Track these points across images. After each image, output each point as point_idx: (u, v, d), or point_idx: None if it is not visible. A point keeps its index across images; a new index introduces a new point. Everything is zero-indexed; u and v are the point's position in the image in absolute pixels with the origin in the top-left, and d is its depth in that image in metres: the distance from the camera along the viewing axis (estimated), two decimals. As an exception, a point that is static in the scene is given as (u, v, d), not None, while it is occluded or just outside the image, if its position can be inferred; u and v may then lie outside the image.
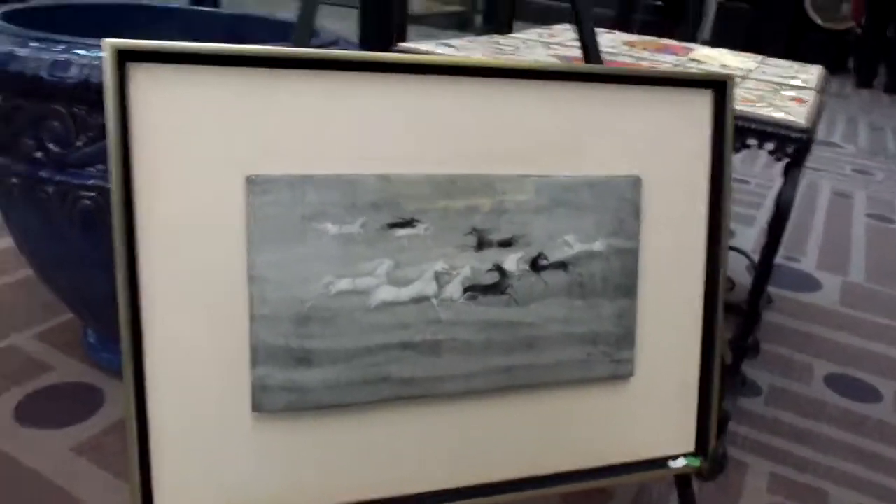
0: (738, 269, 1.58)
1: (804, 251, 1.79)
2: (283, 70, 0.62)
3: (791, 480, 0.98)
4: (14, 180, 0.86)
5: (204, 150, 0.61)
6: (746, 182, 2.29)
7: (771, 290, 1.52)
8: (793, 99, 1.02)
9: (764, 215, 2.01)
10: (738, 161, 2.52)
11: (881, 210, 2.15)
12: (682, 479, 0.84)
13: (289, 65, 0.63)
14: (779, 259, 1.71)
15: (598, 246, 0.72)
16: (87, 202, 0.84)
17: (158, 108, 0.60)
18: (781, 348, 1.32)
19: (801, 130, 0.86)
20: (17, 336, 1.12)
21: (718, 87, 0.75)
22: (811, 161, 2.56)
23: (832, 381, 1.23)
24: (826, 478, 0.99)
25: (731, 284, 1.31)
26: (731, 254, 1.64)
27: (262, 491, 0.66)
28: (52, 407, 0.97)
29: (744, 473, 0.98)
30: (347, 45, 1.01)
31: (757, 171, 2.43)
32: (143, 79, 0.59)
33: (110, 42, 0.57)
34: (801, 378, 1.23)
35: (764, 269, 0.99)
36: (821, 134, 3.06)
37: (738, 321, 1.11)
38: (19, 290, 1.24)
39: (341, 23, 2.33)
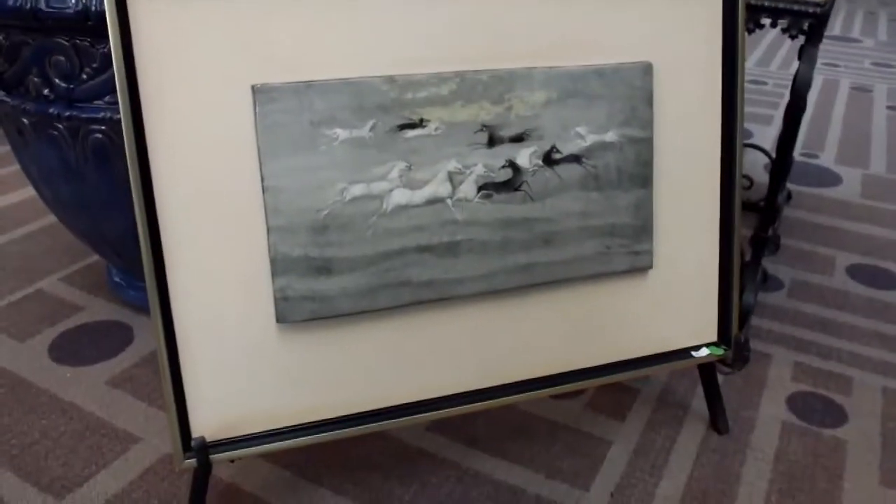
0: (757, 168, 1.56)
1: (823, 146, 1.76)
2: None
3: (815, 368, 0.98)
4: (25, 121, 0.86)
5: (208, 65, 0.61)
6: (764, 83, 2.24)
7: (791, 186, 1.50)
8: None
9: (782, 115, 1.97)
10: (753, 62, 2.46)
11: (901, 102, 2.10)
12: (706, 370, 0.85)
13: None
14: (798, 155, 1.68)
15: (610, 136, 0.71)
16: (99, 136, 0.84)
17: (159, 29, 0.59)
18: (802, 243, 1.31)
19: (816, 4, 0.83)
20: (43, 281, 1.13)
21: (728, -35, 0.73)
22: (829, 58, 2.50)
23: (854, 271, 1.22)
24: (851, 364, 0.99)
25: (750, 182, 1.30)
26: (749, 152, 1.61)
27: (291, 399, 0.68)
28: (85, 344, 1.00)
29: (768, 364, 0.99)
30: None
31: (773, 71, 2.37)
32: (142, 2, 0.58)
33: (103, -39, 0.56)
34: (824, 270, 1.22)
35: (781, 159, 0.97)
36: (839, 30, 2.98)
37: (757, 218, 1.10)
38: (42, 237, 1.26)
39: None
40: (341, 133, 0.63)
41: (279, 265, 0.64)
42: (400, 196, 0.66)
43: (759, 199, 1.17)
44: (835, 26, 3.04)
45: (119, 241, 0.98)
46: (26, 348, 0.99)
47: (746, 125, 1.86)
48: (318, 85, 0.62)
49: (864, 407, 0.92)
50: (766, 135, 1.81)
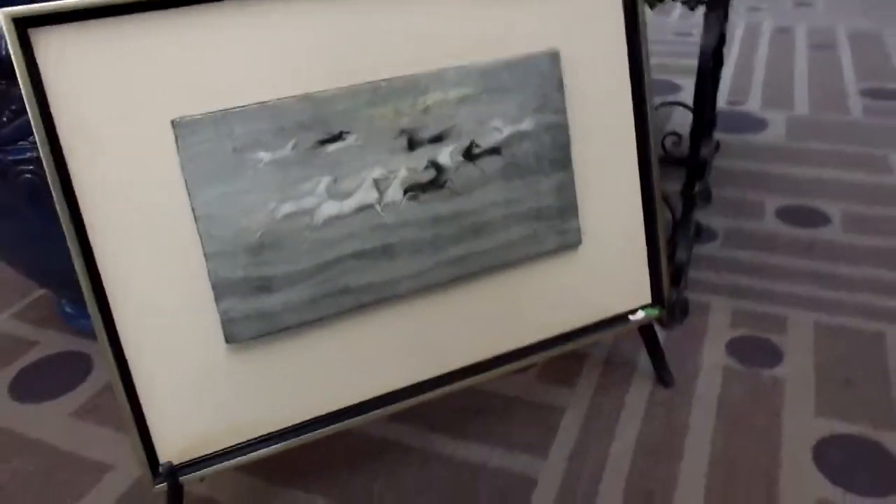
0: (686, 123, 1.60)
1: (748, 92, 1.81)
2: (183, 9, 0.62)
3: (752, 312, 1.04)
4: (-48, 167, 0.86)
5: (126, 102, 0.62)
6: (689, 34, 2.29)
7: (719, 135, 1.55)
8: None
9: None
10: (677, 15, 2.51)
11: (822, 39, 2.16)
12: (646, 331, 0.90)
13: (190, 2, 0.62)
14: (724, 104, 1.74)
15: (526, 125, 0.74)
16: (29, 176, 0.85)
17: (69, 68, 0.60)
18: (733, 191, 1.36)
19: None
20: (-5, 319, 1.14)
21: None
22: (751, 1, 2.56)
23: (783, 213, 1.28)
24: (784, 304, 1.05)
25: (678, 138, 1.34)
26: (677, 109, 1.66)
27: (251, 413, 0.71)
28: (45, 379, 1.01)
29: (707, 314, 1.04)
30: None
31: (698, 21, 2.42)
32: (48, 43, 0.59)
33: (4, 11, 0.57)
34: (754, 215, 1.28)
35: (697, 119, 1.01)
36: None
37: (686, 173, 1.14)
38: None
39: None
40: (265, 155, 0.65)
41: (221, 289, 0.66)
42: (329, 208, 0.68)
43: (687, 154, 1.21)
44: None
45: (65, 274, 0.98)
46: (-14, 391, 1.00)
47: (674, 79, 1.91)
48: (235, 112, 0.64)
49: (798, 344, 0.97)
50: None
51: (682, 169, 1.23)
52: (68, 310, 1.10)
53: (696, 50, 2.09)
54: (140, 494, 0.82)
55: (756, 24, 2.34)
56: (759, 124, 1.64)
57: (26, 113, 0.82)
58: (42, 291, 1.18)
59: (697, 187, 1.11)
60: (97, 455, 0.88)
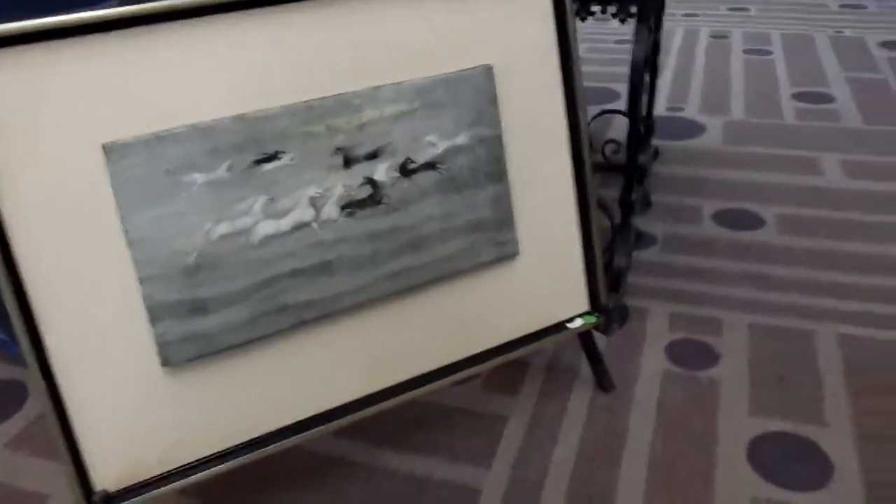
0: (624, 130, 1.64)
1: (687, 98, 1.86)
2: (114, 32, 0.62)
3: (689, 315, 1.07)
4: None
5: (56, 126, 0.61)
6: (627, 41, 2.33)
7: (658, 142, 1.59)
8: None
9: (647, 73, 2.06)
10: (616, 23, 2.55)
11: (757, 44, 2.23)
12: (585, 338, 0.92)
13: (118, 26, 0.62)
14: (663, 111, 1.78)
15: (461, 139, 0.75)
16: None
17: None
18: (671, 196, 1.39)
19: (637, -10, 0.89)
20: (-73, 345, 1.10)
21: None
22: (688, 7, 2.62)
23: (719, 216, 1.32)
24: (721, 306, 1.08)
25: (617, 146, 1.37)
26: (616, 116, 1.69)
27: (189, 436, 0.70)
28: (-20, 407, 0.98)
29: (645, 319, 1.06)
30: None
31: (637, 29, 2.47)
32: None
33: (-78, 37, 0.56)
34: (692, 220, 1.31)
35: (633, 127, 1.04)
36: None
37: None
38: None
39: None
40: (199, 177, 0.65)
41: (156, 312, 0.66)
42: (266, 227, 0.68)
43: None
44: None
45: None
46: (-82, 423, 0.97)
47: (613, 87, 1.95)
48: (168, 135, 0.64)
49: (733, 345, 1.00)
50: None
51: (622, 176, 1.25)
52: (2, 337, 1.08)
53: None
54: (80, 521, 0.80)
55: (693, 30, 2.40)
56: (697, 129, 1.68)
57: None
58: (-23, 315, 1.15)
59: (636, 194, 1.14)
60: (33, 486, 0.86)
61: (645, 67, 1.02)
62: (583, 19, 0.89)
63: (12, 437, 0.94)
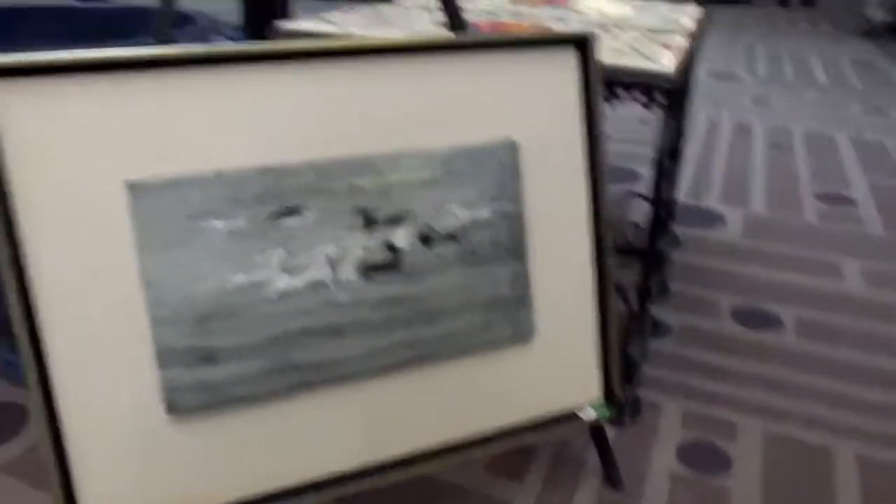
0: (643, 212, 1.62)
1: (709, 187, 1.85)
2: (150, 71, 0.61)
3: (702, 415, 1.03)
4: None
5: (81, 160, 0.61)
6: (650, 121, 2.34)
7: (678, 229, 1.57)
8: (661, 45, 1.04)
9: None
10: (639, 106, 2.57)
11: (780, 138, 2.23)
12: (596, 431, 0.87)
13: (153, 66, 0.61)
14: (685, 198, 1.76)
15: (484, 213, 0.73)
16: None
17: (27, 122, 0.59)
18: (690, 287, 1.36)
19: (668, 79, 0.88)
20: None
21: (581, 43, 0.76)
22: (712, 96, 2.64)
23: (738, 314, 1.29)
24: (735, 409, 1.04)
25: (634, 229, 1.35)
26: (635, 197, 1.68)
27: (185, 487, 0.67)
28: (-25, 431, 0.95)
29: (658, 414, 1.02)
30: (223, 30, 0.98)
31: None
32: (7, 95, 0.57)
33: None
34: (709, 314, 1.28)
35: (656, 213, 1.02)
36: (720, 66, 3.15)
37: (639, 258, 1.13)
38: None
39: (222, 3, 2.26)
40: (218, 224, 0.63)
41: (165, 357, 0.63)
42: (281, 282, 0.66)
43: (646, 246, 1.21)
44: (718, 61, 3.22)
45: (6, 323, 0.94)
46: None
47: (634, 168, 1.94)
48: (192, 179, 0.62)
49: (746, 452, 0.96)
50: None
51: (639, 260, 1.22)
52: (8, 358, 1.05)
53: (656, 139, 2.14)
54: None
55: (717, 120, 2.40)
56: (717, 220, 1.66)
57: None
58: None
59: (654, 281, 1.11)
60: (19, 519, 0.81)
61: (670, 154, 1.00)
62: (608, 101, 0.87)
63: (7, 462, 0.91)
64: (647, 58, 0.92)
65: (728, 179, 1.90)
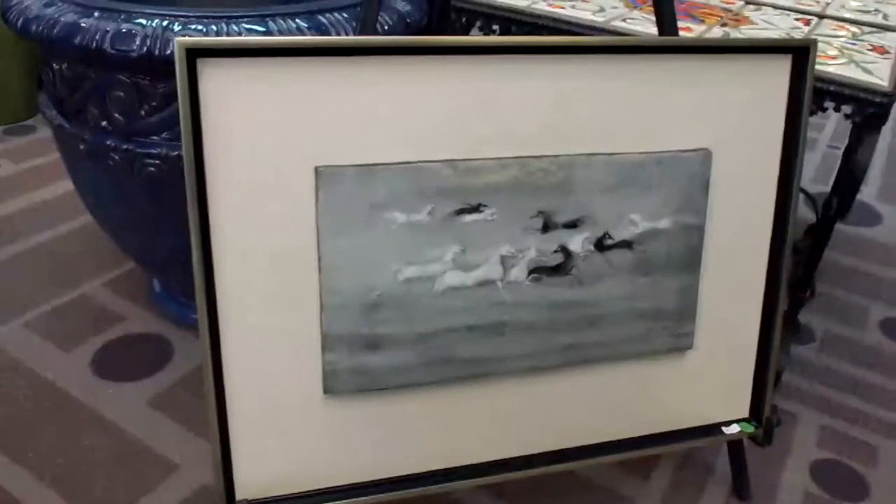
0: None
1: (866, 179, 1.73)
2: (349, 58, 0.61)
3: (841, 434, 0.99)
4: (82, 146, 0.88)
5: (273, 141, 0.62)
6: (839, 147, 2.19)
7: (828, 225, 1.49)
8: (874, 48, 0.96)
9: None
10: (832, 125, 2.40)
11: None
12: (735, 443, 0.86)
13: (354, 53, 0.61)
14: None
15: (664, 223, 0.71)
16: (153, 169, 0.85)
17: (228, 102, 0.60)
18: (837, 289, 1.30)
19: (884, 94, 0.82)
20: (87, 285, 1.16)
21: (799, 52, 0.72)
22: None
23: (887, 325, 1.22)
24: (877, 431, 1.00)
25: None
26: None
27: (332, 464, 0.70)
28: (126, 358, 1.02)
29: (794, 427, 0.99)
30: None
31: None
32: (213, 74, 0.59)
33: (180, 41, 0.57)
34: (856, 323, 1.22)
35: (825, 231, 0.97)
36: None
37: (793, 261, 1.08)
38: (83, 236, 1.28)
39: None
40: (400, 217, 0.64)
41: (330, 341, 0.65)
42: (452, 278, 0.67)
43: (796, 240, 1.15)
44: None
45: (167, 263, 1.00)
46: (70, 359, 1.01)
47: (810, 187, 1.82)
48: (380, 169, 0.63)
49: (887, 481, 0.92)
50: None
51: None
52: (157, 290, 1.12)
53: (831, 163, 1.94)
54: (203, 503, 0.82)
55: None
56: (872, 218, 1.57)
57: (164, 110, 0.84)
58: (134, 265, 1.20)
59: (808, 293, 1.06)
60: (167, 451, 0.89)
61: (856, 182, 0.94)
62: (812, 112, 0.82)
63: (155, 395, 0.97)
64: (861, 65, 0.85)
65: (889, 174, 1.78)
